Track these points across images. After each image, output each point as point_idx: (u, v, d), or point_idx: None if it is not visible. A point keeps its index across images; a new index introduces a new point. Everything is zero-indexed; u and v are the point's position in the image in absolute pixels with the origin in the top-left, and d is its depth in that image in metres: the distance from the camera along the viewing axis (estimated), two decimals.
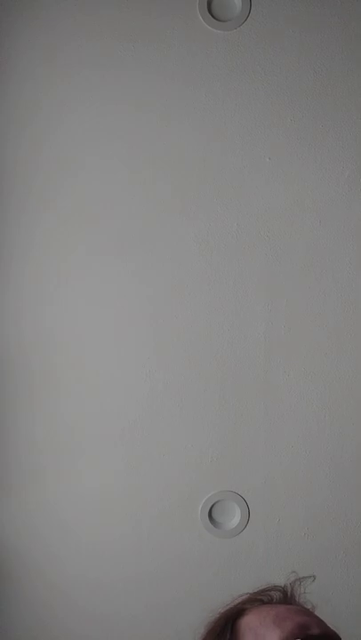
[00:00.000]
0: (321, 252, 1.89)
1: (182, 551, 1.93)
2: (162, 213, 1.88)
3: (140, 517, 1.93)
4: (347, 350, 1.90)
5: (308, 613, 0.89)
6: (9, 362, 1.90)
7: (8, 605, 1.95)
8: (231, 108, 1.87)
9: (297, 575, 1.00)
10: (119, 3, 1.85)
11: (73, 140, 1.87)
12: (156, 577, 1.94)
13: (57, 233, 1.89)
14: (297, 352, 1.90)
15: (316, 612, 0.95)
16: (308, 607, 0.96)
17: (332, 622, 0.91)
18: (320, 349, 1.90)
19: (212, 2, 1.85)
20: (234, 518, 1.93)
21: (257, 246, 1.89)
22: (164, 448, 1.91)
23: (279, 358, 1.90)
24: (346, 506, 1.92)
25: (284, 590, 0.97)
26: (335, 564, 1.93)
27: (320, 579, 1.90)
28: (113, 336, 1.90)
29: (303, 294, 1.89)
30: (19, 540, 1.94)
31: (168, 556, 1.93)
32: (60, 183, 1.88)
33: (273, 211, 1.88)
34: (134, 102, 1.87)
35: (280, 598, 0.95)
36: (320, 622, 0.87)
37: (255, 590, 0.97)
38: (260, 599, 0.94)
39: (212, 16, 1.84)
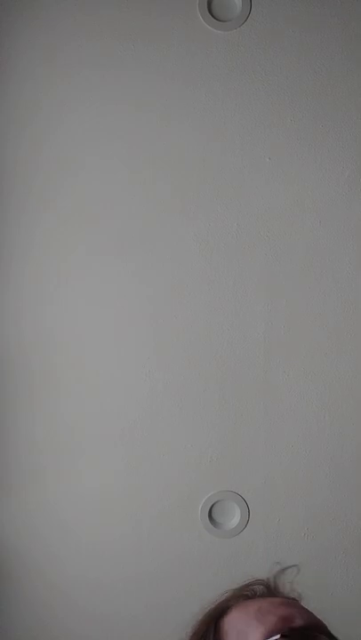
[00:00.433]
0: (321, 252, 1.89)
1: (182, 551, 1.93)
2: (162, 213, 1.88)
3: (140, 517, 1.93)
4: (347, 350, 1.90)
5: (292, 604, 0.88)
6: (9, 362, 1.90)
7: (8, 605, 1.95)
8: (231, 108, 1.87)
9: (280, 566, 1.00)
10: (119, 3, 1.85)
11: (73, 140, 1.87)
12: (156, 577, 1.94)
13: (57, 233, 1.89)
14: (297, 352, 1.90)
15: (302, 602, 0.94)
16: (294, 596, 0.95)
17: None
18: (320, 349, 1.90)
19: (213, 2, 1.85)
20: (234, 518, 1.93)
21: (257, 246, 1.89)
22: (164, 448, 1.91)
23: (279, 358, 1.90)
24: (346, 506, 1.92)
25: (267, 583, 0.96)
26: (335, 564, 1.93)
27: (320, 579, 1.91)
28: (113, 336, 1.90)
29: (303, 294, 1.89)
30: (19, 540, 1.94)
31: (168, 556, 1.93)
32: (60, 183, 1.88)
33: (273, 211, 1.88)
34: (134, 102, 1.87)
35: (264, 592, 0.94)
36: (304, 613, 0.85)
37: (239, 585, 0.96)
38: (244, 594, 0.93)
39: (213, 16, 1.84)
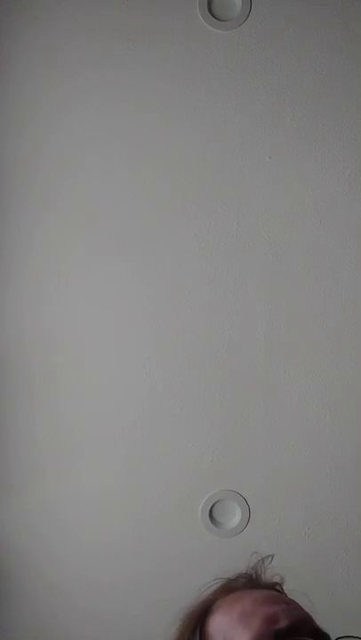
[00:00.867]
0: (321, 251, 1.89)
1: (182, 551, 1.93)
2: (162, 213, 1.88)
3: (140, 517, 1.93)
4: (347, 350, 1.90)
5: (275, 600, 0.86)
6: (9, 362, 1.90)
7: (8, 605, 1.95)
8: (231, 107, 1.87)
9: (258, 556, 0.99)
10: (119, 3, 1.85)
11: (73, 140, 1.87)
12: (156, 577, 1.94)
13: (57, 233, 1.89)
14: (297, 352, 1.90)
15: (285, 586, 0.94)
16: (277, 580, 0.94)
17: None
18: (320, 349, 1.90)
19: (213, 1, 1.85)
20: (234, 518, 1.93)
21: (257, 246, 1.89)
22: (164, 448, 1.91)
23: (279, 358, 1.90)
24: (346, 506, 1.92)
25: (248, 576, 0.95)
26: (335, 563, 1.93)
27: (321, 578, 1.91)
28: (113, 336, 1.90)
29: (303, 294, 1.89)
30: (19, 540, 1.94)
31: (168, 556, 1.93)
32: (60, 183, 1.88)
33: (273, 210, 1.88)
34: (134, 102, 1.87)
35: (245, 583, 0.93)
36: (287, 608, 0.84)
37: (222, 582, 0.95)
38: (227, 588, 0.92)
39: (213, 16, 1.84)
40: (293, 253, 1.89)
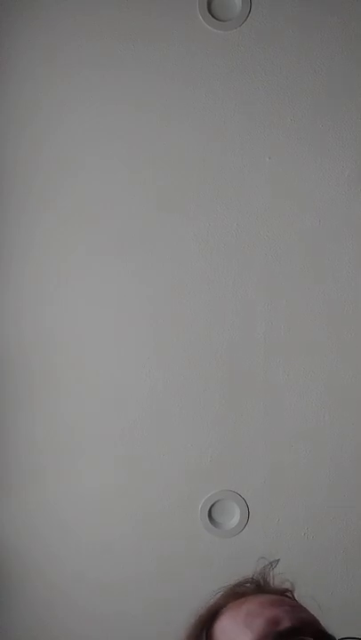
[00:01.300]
0: (321, 251, 1.89)
1: (182, 551, 1.93)
2: (162, 213, 1.88)
3: (140, 517, 1.93)
4: (346, 350, 1.90)
5: (281, 603, 0.86)
6: (9, 362, 1.90)
7: (8, 605, 1.95)
8: (231, 107, 1.87)
9: (265, 560, 0.99)
10: (119, 3, 1.85)
11: (73, 140, 1.87)
12: (156, 577, 1.94)
13: (57, 233, 1.89)
14: (297, 352, 1.90)
15: (296, 592, 0.93)
16: (287, 586, 0.94)
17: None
18: (320, 349, 1.90)
19: (213, 2, 1.84)
20: (233, 518, 1.93)
21: (257, 246, 1.89)
22: (163, 448, 1.91)
23: (279, 358, 1.90)
24: (346, 506, 1.92)
25: (255, 580, 0.95)
26: (335, 564, 1.93)
27: (320, 578, 1.91)
28: (113, 336, 1.90)
29: (303, 294, 1.89)
30: (19, 540, 1.94)
31: (168, 556, 1.93)
32: (60, 183, 1.88)
33: (273, 210, 1.88)
34: (134, 102, 1.87)
35: (254, 589, 0.93)
36: (292, 611, 0.84)
37: (230, 586, 0.95)
38: (235, 594, 0.92)
39: (213, 16, 1.84)
40: (293, 253, 1.89)
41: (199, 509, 1.91)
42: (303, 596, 0.94)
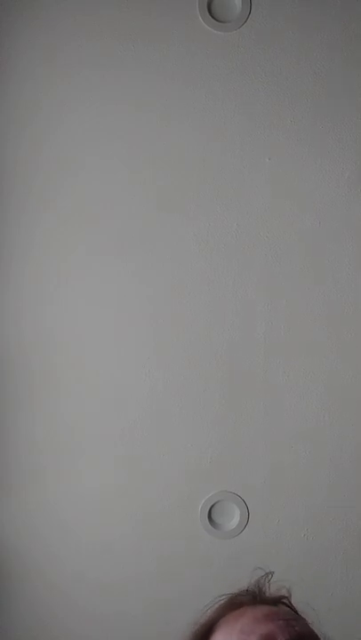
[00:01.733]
0: (320, 252, 1.89)
1: (182, 551, 1.93)
2: (162, 213, 1.88)
3: (140, 517, 1.93)
4: (346, 351, 1.90)
5: (275, 617, 0.86)
6: (9, 362, 1.90)
7: (8, 605, 1.95)
8: (231, 108, 1.87)
9: (261, 571, 0.98)
10: (119, 3, 1.85)
11: (73, 140, 1.87)
12: (156, 577, 1.94)
13: (57, 233, 1.89)
14: (297, 352, 1.90)
15: (292, 598, 0.93)
16: (283, 593, 0.94)
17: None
18: (320, 350, 1.90)
19: (213, 3, 1.85)
20: (233, 519, 1.93)
21: (257, 246, 1.89)
22: (164, 448, 1.91)
23: (279, 358, 1.90)
24: (345, 506, 1.92)
25: (251, 592, 0.94)
26: (335, 564, 1.93)
27: (320, 579, 1.91)
28: (113, 336, 1.90)
29: (303, 294, 1.89)
30: (19, 540, 1.94)
31: (168, 556, 1.93)
32: (60, 183, 1.88)
33: (273, 211, 1.89)
34: (134, 102, 1.87)
35: (250, 600, 0.92)
36: (286, 626, 0.83)
37: (226, 598, 0.94)
38: (231, 605, 0.91)
39: (213, 17, 1.84)
40: (293, 254, 1.89)
41: (199, 511, 1.91)
42: (300, 601, 0.94)
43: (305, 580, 1.89)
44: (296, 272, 1.89)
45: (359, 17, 1.85)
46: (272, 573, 0.97)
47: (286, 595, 0.94)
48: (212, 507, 1.92)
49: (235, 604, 0.91)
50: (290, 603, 0.93)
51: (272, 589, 0.95)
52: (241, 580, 0.98)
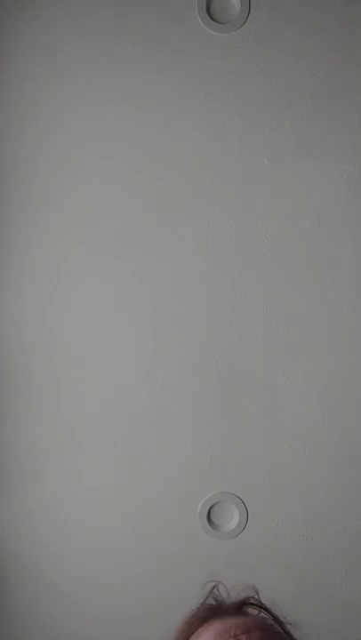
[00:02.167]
0: (320, 253, 1.90)
1: (182, 551, 1.93)
2: (162, 213, 1.89)
3: (140, 517, 1.93)
4: (345, 351, 1.90)
5: (234, 631, 0.83)
6: (9, 362, 1.90)
7: (8, 605, 1.95)
8: (230, 109, 1.87)
9: (210, 584, 0.95)
10: (119, 4, 1.85)
11: (73, 140, 1.87)
12: (156, 577, 1.94)
13: (57, 233, 1.89)
14: (296, 353, 1.90)
15: (260, 595, 0.92)
16: (247, 594, 0.92)
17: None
18: (319, 350, 1.90)
19: (212, 4, 1.85)
20: (232, 520, 1.93)
21: (256, 247, 1.89)
22: (163, 448, 1.91)
23: (278, 359, 1.90)
24: (345, 507, 1.92)
25: (207, 605, 0.92)
26: (334, 564, 1.93)
27: (319, 579, 1.91)
28: (113, 336, 1.90)
29: (302, 295, 1.90)
30: (19, 540, 1.93)
31: (168, 557, 1.93)
32: (60, 183, 1.88)
33: (272, 212, 1.89)
34: (134, 102, 1.87)
35: (212, 613, 0.90)
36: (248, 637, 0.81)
37: (191, 614, 0.92)
38: (198, 618, 0.90)
39: (212, 18, 1.85)
40: (292, 255, 1.90)
41: (198, 511, 1.91)
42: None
43: (304, 580, 1.90)
44: (295, 273, 1.90)
45: (358, 18, 1.85)
46: (218, 583, 0.94)
47: (252, 594, 0.92)
48: (211, 508, 1.92)
49: (201, 617, 0.89)
50: (257, 600, 0.91)
51: (237, 591, 0.93)
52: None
